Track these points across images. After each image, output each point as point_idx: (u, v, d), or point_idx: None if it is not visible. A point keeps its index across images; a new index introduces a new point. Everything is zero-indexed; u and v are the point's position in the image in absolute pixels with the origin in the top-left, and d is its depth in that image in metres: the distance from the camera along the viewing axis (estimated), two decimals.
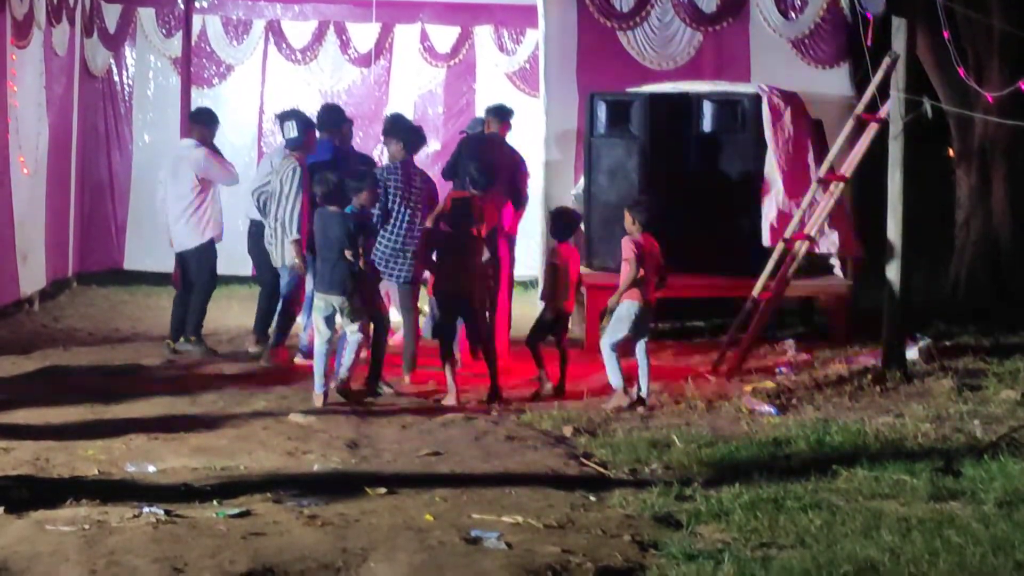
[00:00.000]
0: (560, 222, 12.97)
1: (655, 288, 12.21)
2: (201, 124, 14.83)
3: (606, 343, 12.12)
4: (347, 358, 12.01)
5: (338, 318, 12.01)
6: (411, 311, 13.07)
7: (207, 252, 14.54)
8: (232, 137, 16.49)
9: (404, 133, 13.22)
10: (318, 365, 12.00)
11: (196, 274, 14.60)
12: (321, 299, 12.04)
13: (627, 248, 12.06)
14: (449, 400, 12.10)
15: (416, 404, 12.11)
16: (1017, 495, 8.90)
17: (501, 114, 14.48)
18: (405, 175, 12.82)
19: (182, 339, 14.41)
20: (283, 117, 13.86)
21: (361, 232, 11.97)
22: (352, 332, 11.98)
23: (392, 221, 12.69)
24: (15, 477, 9.31)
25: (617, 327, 12.09)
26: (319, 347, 12.04)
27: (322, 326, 12.05)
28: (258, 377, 13.14)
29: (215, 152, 14.61)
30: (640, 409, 11.83)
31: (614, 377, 12.06)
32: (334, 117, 14.22)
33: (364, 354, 12.18)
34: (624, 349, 12.16)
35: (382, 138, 14.08)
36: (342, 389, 12.00)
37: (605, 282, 13.49)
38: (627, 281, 11.96)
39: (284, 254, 13.36)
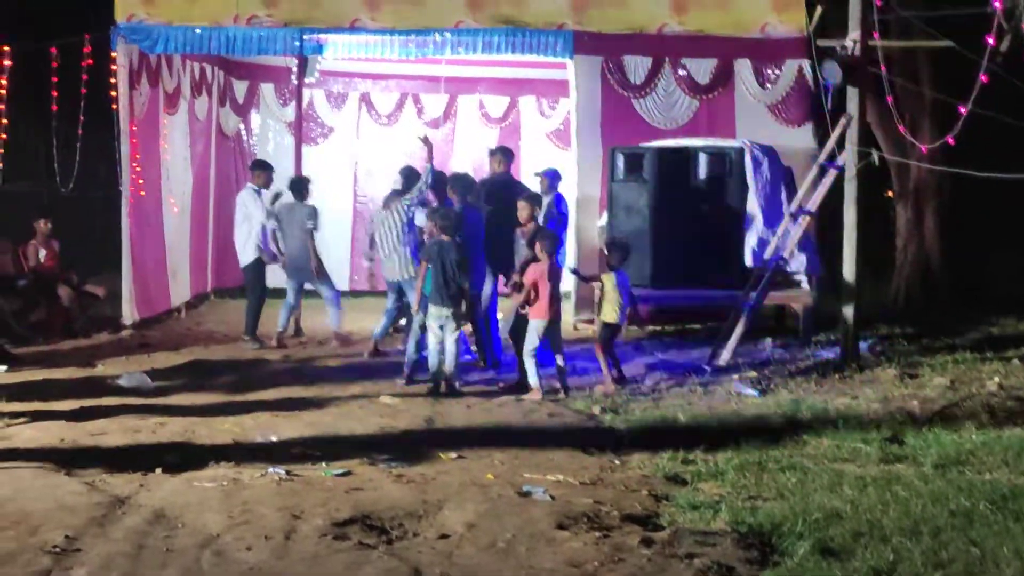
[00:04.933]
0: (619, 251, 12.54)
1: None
2: (262, 170, 14.92)
3: (527, 351, 11.70)
4: (449, 361, 11.78)
5: (447, 325, 11.76)
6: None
7: (255, 268, 14.54)
8: (333, 182, 16.51)
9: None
10: (433, 359, 11.81)
11: (248, 285, 14.64)
12: (435, 309, 11.82)
13: (537, 273, 11.65)
14: (535, 396, 11.52)
15: (477, 391, 11.98)
16: (949, 459, 8.85)
17: (505, 153, 14.01)
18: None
19: (246, 336, 14.49)
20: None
21: (468, 260, 11.94)
22: (452, 339, 11.76)
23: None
24: (169, 445, 9.37)
25: (532, 338, 11.66)
26: (432, 346, 11.80)
27: (436, 330, 11.80)
28: (355, 367, 13.13)
29: (259, 199, 14.62)
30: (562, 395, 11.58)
31: (532, 378, 11.63)
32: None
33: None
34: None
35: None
36: (448, 384, 11.77)
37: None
38: (541, 302, 11.65)
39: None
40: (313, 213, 14.55)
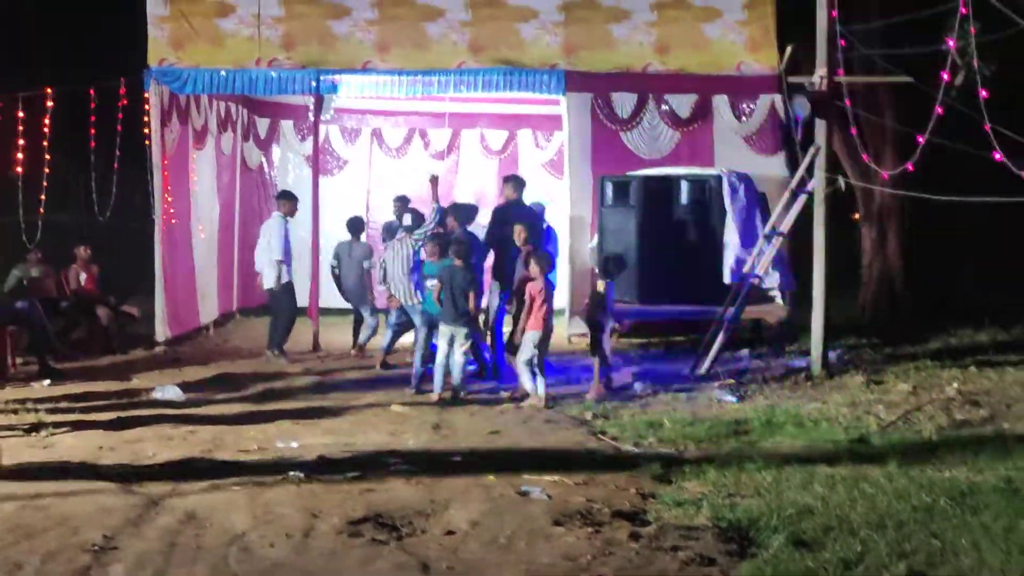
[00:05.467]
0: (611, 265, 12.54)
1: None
2: (287, 199, 14.88)
3: (521, 360, 11.65)
4: (455, 373, 11.81)
5: (457, 341, 11.78)
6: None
7: (287, 290, 14.52)
8: (347, 210, 16.53)
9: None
10: (438, 373, 11.81)
11: (277, 306, 14.59)
12: (445, 327, 11.84)
13: (534, 289, 11.63)
14: (534, 401, 11.45)
15: (480, 399, 11.96)
16: (911, 459, 8.84)
17: (517, 181, 14.11)
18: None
19: (275, 351, 14.42)
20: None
21: (474, 283, 11.91)
22: (461, 353, 11.78)
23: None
24: (199, 451, 9.36)
25: (527, 348, 11.61)
26: (440, 360, 11.80)
27: (444, 346, 11.83)
28: (368, 379, 13.12)
29: (286, 225, 14.57)
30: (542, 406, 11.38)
31: (528, 385, 11.58)
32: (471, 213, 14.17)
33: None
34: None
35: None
36: (455, 394, 11.79)
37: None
38: (536, 316, 11.60)
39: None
40: (370, 252, 14.82)
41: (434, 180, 13.42)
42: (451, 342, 11.80)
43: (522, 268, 12.16)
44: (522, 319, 11.80)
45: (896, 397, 11.42)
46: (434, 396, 11.77)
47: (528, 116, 19.56)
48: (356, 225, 15.01)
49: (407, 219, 13.61)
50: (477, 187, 19.59)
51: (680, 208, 14.93)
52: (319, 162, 16.78)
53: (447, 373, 11.80)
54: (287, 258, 14.47)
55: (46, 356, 13.42)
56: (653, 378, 12.75)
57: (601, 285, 12.26)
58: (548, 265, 11.92)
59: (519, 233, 12.44)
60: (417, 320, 12.63)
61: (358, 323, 15.06)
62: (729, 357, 13.80)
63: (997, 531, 6.88)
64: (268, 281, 14.57)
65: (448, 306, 11.78)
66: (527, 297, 11.70)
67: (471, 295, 11.81)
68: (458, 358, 11.76)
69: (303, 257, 15.73)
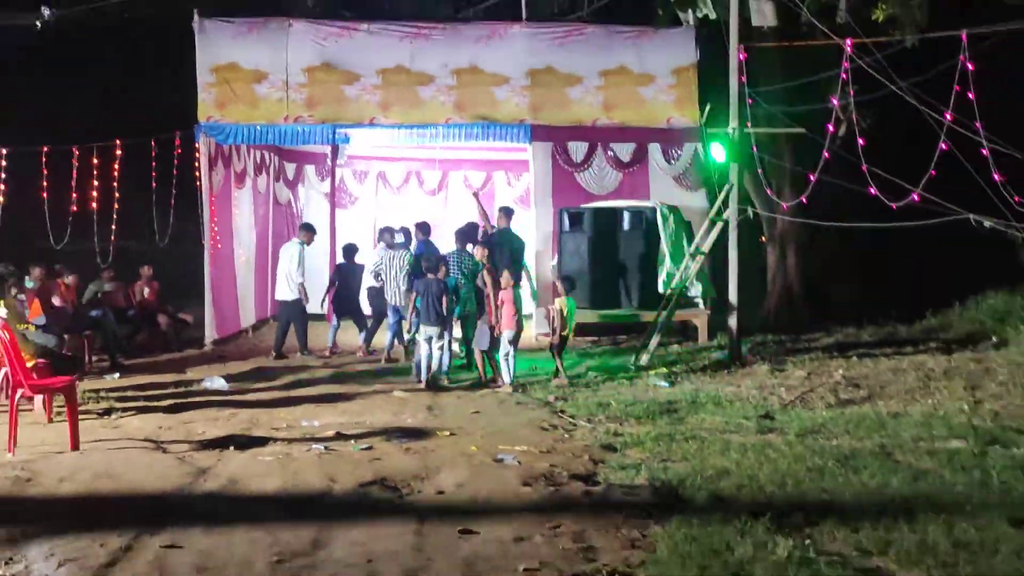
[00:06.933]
0: (569, 283, 12.50)
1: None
2: (308, 231, 14.78)
3: (501, 355, 11.63)
4: (435, 364, 11.70)
5: (434, 339, 11.75)
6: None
7: (298, 304, 14.34)
8: (358, 237, 16.50)
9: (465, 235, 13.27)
10: (423, 366, 11.76)
11: (291, 315, 14.31)
12: (424, 328, 11.76)
13: (506, 297, 11.67)
14: (507, 389, 11.47)
15: (464, 386, 11.94)
16: (807, 430, 8.88)
17: (506, 212, 14.31)
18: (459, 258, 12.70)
19: (306, 352, 14.21)
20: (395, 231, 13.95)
21: (446, 291, 11.87)
22: (437, 349, 11.73)
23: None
24: (240, 429, 9.33)
25: (504, 345, 11.63)
26: (424, 355, 11.72)
27: (424, 345, 11.77)
28: (375, 371, 13.05)
29: (302, 251, 14.36)
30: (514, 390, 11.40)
31: (506, 376, 11.61)
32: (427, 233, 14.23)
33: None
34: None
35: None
36: (434, 382, 11.69)
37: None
38: (511, 316, 11.64)
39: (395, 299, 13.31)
40: (360, 271, 14.69)
41: (476, 194, 13.49)
42: (431, 340, 11.78)
43: (480, 281, 12.21)
44: (493, 319, 11.78)
45: (794, 381, 11.45)
46: (420, 384, 11.71)
47: (502, 160, 19.56)
48: (351, 251, 14.93)
49: (399, 237, 13.58)
50: (462, 217, 19.53)
51: (623, 233, 14.94)
52: (335, 198, 16.73)
53: (429, 366, 11.75)
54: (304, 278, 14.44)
55: (116, 354, 13.36)
56: (602, 369, 12.77)
57: (565, 304, 12.20)
58: (517, 278, 11.97)
59: (479, 252, 12.50)
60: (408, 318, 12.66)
61: (369, 324, 14.83)
62: (663, 351, 13.82)
63: (873, 487, 6.94)
64: (284, 294, 14.43)
65: (426, 311, 11.77)
66: (499, 303, 11.72)
67: (444, 299, 11.75)
68: (436, 352, 11.72)
69: (322, 274, 15.68)
